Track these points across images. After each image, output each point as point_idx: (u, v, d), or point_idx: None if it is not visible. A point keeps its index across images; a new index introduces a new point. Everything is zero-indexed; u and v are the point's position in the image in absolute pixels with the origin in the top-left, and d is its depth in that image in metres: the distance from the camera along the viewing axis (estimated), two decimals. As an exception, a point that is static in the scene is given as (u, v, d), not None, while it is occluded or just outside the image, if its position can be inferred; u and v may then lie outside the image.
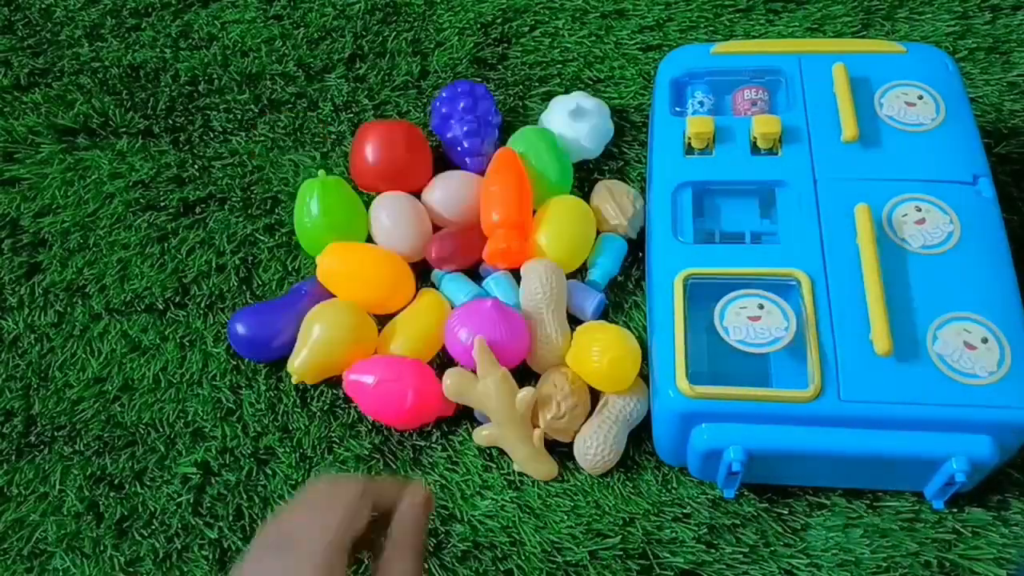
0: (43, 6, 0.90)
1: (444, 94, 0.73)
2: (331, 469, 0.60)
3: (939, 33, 0.78)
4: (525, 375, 0.62)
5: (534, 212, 0.67)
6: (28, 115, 0.81)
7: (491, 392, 0.57)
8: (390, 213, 0.67)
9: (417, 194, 0.70)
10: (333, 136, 0.77)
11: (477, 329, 0.59)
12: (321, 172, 0.67)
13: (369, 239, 0.69)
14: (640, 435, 0.59)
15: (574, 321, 0.64)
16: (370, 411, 0.60)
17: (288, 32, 0.85)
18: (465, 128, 0.71)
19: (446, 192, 0.69)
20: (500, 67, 0.81)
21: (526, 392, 0.57)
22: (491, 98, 0.73)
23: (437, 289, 0.67)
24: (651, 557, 0.55)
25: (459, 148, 0.71)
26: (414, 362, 0.60)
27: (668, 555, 0.55)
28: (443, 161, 0.73)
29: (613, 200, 0.67)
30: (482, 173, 0.69)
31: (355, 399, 0.61)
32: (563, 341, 0.61)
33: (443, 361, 0.64)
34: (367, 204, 0.69)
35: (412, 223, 0.67)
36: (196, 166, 0.76)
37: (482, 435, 0.59)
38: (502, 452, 0.60)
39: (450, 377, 0.58)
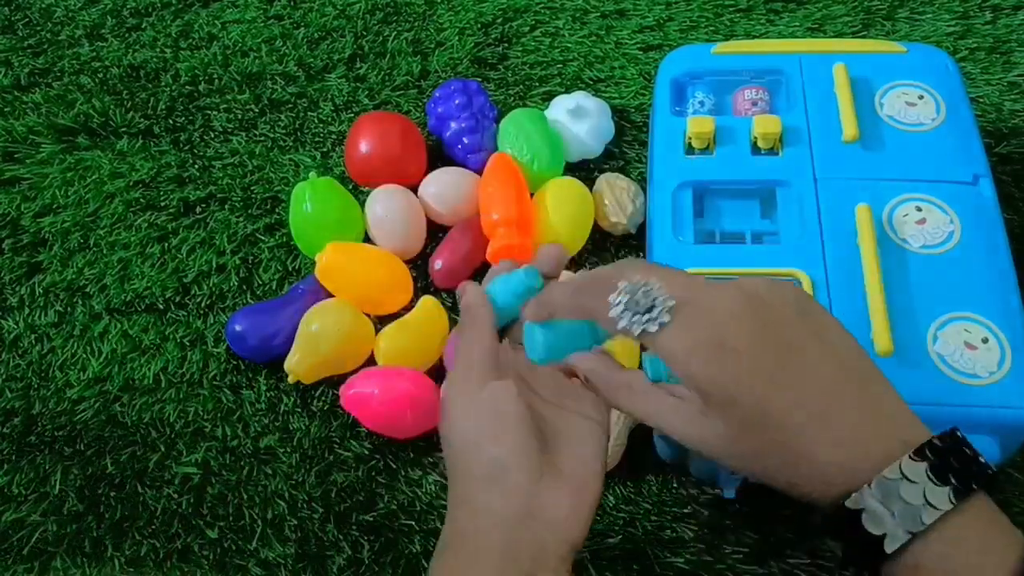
0: (43, 6, 0.90)
1: (437, 94, 0.73)
2: (331, 469, 0.60)
3: (940, 33, 0.78)
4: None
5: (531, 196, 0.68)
6: (28, 115, 0.81)
7: None
8: (385, 207, 0.68)
9: (413, 188, 0.70)
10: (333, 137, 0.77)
11: None
12: (312, 174, 0.68)
13: (367, 238, 0.69)
14: (640, 436, 0.59)
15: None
16: (371, 427, 0.61)
17: (288, 32, 0.85)
18: (464, 125, 0.71)
19: (440, 188, 0.69)
20: (500, 67, 0.81)
21: None
22: (484, 93, 0.73)
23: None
24: (652, 557, 0.55)
25: (459, 146, 0.71)
26: (413, 376, 0.60)
27: (669, 555, 0.55)
28: (442, 162, 0.73)
29: (613, 196, 0.67)
30: (483, 170, 0.70)
31: (355, 415, 0.61)
32: None
33: (442, 363, 0.64)
34: (363, 203, 0.70)
35: (408, 217, 0.68)
36: (196, 166, 0.76)
37: None
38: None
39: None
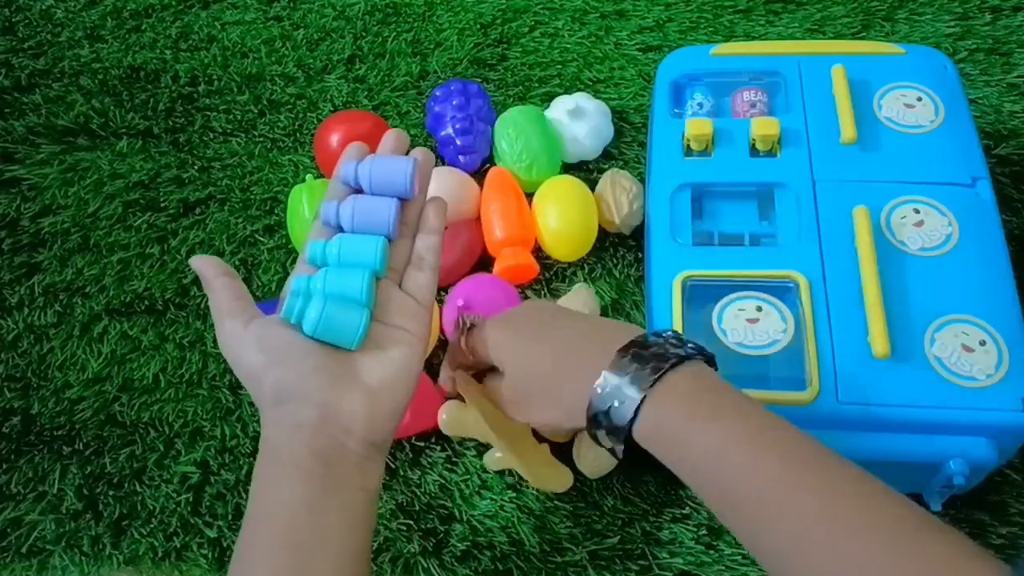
0: (44, 7, 0.90)
1: (438, 93, 0.73)
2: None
3: (939, 34, 0.78)
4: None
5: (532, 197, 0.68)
6: (28, 116, 0.81)
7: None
8: None
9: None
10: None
11: (475, 300, 0.60)
12: (309, 176, 0.68)
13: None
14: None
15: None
16: None
17: (288, 33, 0.85)
18: (457, 126, 0.71)
19: (434, 190, 0.69)
20: (500, 68, 0.81)
21: None
22: (485, 96, 0.73)
23: None
24: (650, 558, 0.55)
25: (452, 146, 0.72)
26: None
27: (667, 556, 0.55)
28: (439, 161, 0.73)
29: (612, 194, 0.67)
30: (475, 171, 0.70)
31: None
32: None
33: (439, 359, 0.63)
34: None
35: None
36: (196, 167, 0.76)
37: (493, 459, 0.58)
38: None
39: (446, 412, 0.58)
